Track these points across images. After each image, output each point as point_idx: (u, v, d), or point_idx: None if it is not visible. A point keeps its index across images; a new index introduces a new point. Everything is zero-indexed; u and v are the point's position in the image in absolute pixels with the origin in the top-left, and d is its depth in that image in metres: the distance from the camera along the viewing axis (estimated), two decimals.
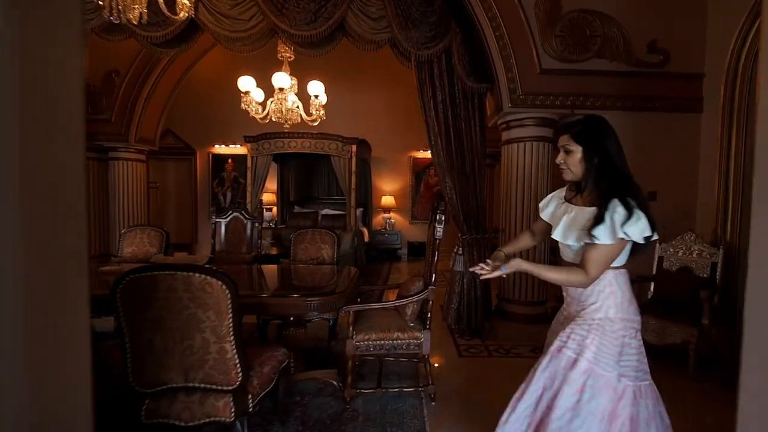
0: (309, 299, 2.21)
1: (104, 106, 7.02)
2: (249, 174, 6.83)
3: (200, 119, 9.21)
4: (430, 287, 2.49)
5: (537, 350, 3.51)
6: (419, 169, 8.78)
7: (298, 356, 2.81)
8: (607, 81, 3.72)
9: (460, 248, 3.85)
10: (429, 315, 2.54)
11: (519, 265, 1.55)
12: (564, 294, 1.67)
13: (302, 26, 3.98)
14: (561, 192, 1.74)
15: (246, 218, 3.79)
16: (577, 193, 1.61)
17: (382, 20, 3.99)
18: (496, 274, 1.55)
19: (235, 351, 1.72)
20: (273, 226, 8.33)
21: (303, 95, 5.58)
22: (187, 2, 2.75)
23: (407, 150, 8.74)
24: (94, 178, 7.21)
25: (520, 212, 3.93)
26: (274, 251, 5.90)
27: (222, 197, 9.48)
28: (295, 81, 5.46)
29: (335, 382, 2.67)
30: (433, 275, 2.49)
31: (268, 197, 8.85)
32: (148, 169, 9.08)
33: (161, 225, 9.36)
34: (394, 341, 2.47)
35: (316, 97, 5.24)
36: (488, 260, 1.61)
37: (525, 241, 1.92)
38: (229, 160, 9.42)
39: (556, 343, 1.55)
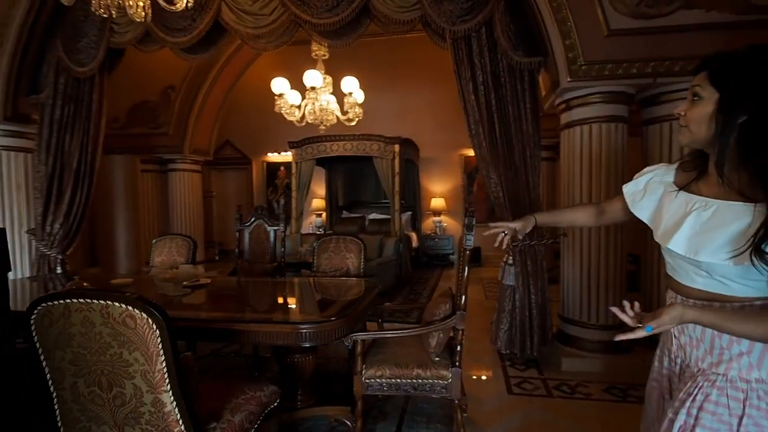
0: (301, 327, 1.71)
1: (162, 120, 7.19)
2: (293, 180, 6.58)
3: (254, 129, 9.26)
4: (459, 312, 1.86)
5: (613, 390, 2.69)
6: (471, 169, 7.98)
7: (306, 388, 2.31)
8: (702, 38, 2.79)
9: (510, 257, 3.13)
10: (459, 348, 1.90)
11: (683, 314, 0.84)
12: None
13: (323, 14, 3.54)
14: (666, 170, 1.07)
15: (269, 225, 3.40)
16: (699, 174, 0.95)
17: None
18: (640, 334, 0.86)
19: (174, 404, 1.26)
20: (322, 231, 8.05)
21: (341, 95, 5.17)
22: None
23: (458, 148, 8.01)
24: (155, 189, 7.42)
25: None
26: (311, 259, 5.52)
27: (276, 204, 9.45)
28: (329, 79, 5.07)
29: (349, 422, 2.13)
30: (463, 296, 1.86)
31: (318, 203, 8.62)
32: (206, 179, 9.32)
33: (217, 232, 9.49)
34: (414, 380, 1.88)
35: (350, 94, 4.78)
36: (633, 302, 0.94)
37: (583, 216, 1.34)
38: (281, 168, 9.36)
39: (676, 423, 0.88)
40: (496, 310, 3.22)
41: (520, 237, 1.19)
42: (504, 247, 1.36)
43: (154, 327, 1.19)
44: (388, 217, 7.02)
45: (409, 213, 7.76)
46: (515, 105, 3.20)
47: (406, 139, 6.67)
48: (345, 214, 8.16)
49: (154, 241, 3.67)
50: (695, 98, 0.91)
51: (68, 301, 1.21)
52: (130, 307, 1.15)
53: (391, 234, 5.94)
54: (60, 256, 4.11)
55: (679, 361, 1.00)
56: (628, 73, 2.93)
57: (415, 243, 7.13)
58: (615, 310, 0.93)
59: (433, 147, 8.11)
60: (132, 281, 2.54)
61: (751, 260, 0.78)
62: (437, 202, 7.90)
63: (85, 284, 2.35)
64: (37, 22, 4.20)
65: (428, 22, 3.41)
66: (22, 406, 1.66)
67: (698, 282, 0.92)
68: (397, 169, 6.15)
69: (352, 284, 2.55)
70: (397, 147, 6.18)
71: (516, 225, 1.33)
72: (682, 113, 0.94)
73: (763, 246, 0.77)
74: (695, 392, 0.88)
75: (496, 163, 3.16)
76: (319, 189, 8.61)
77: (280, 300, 2.44)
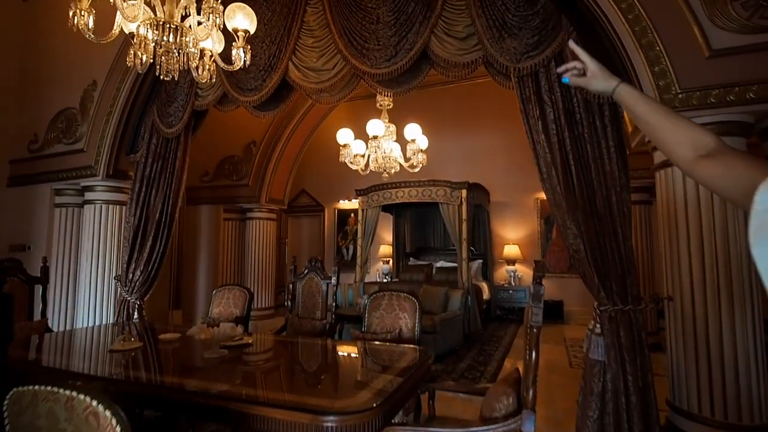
0: (325, 418, 1.39)
1: (244, 172, 7.71)
2: (359, 227, 6.50)
3: (327, 177, 9.56)
4: (526, 412, 1.40)
5: None
6: (548, 213, 7.25)
7: None
8: None
9: (598, 324, 2.54)
10: None
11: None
12: None
13: (382, 63, 3.48)
14: None
15: (322, 279, 3.22)
16: None
17: (471, 38, 3.22)
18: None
19: None
20: (388, 279, 7.78)
21: (406, 142, 5.06)
22: (209, 67, 2.45)
23: (532, 191, 7.39)
24: (234, 236, 7.84)
25: (698, 269, 2.45)
26: None
27: (345, 250, 9.47)
28: (392, 127, 5.00)
29: None
30: (531, 390, 1.41)
31: (385, 249, 8.44)
32: (282, 226, 9.71)
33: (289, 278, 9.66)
34: None
35: (413, 141, 4.63)
36: None
37: (680, 139, 0.83)
38: (352, 215, 9.44)
39: None
40: (582, 389, 2.59)
41: (591, 89, 0.83)
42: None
43: (119, 430, 0.97)
44: (457, 265, 6.55)
45: (480, 261, 7.20)
46: (595, 143, 2.73)
47: (475, 184, 6.31)
48: (412, 261, 7.84)
49: (214, 291, 3.68)
50: None
51: (36, 388, 1.05)
52: (94, 403, 0.95)
53: (459, 285, 5.46)
54: (138, 302, 4.33)
55: None
56: (743, 99, 2.34)
57: (486, 294, 6.51)
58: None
59: (505, 191, 7.60)
60: (179, 337, 2.47)
61: None
62: (511, 250, 7.24)
63: (132, 338, 2.31)
64: (139, 93, 4.76)
65: (490, 62, 3.16)
66: None
67: None
68: (464, 215, 5.76)
69: (401, 352, 2.19)
70: (464, 192, 5.83)
71: (590, 65, 0.98)
72: None
73: None
74: None
75: (574, 211, 2.67)
76: (387, 235, 8.46)
77: (310, 372, 2.15)
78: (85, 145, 4.86)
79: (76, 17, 1.99)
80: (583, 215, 2.63)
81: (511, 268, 7.20)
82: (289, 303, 3.33)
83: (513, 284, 7.10)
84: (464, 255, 5.66)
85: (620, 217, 2.61)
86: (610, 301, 2.51)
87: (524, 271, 7.32)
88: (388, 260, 8.30)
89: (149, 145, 4.61)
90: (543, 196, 7.21)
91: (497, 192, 7.54)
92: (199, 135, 7.53)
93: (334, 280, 3.10)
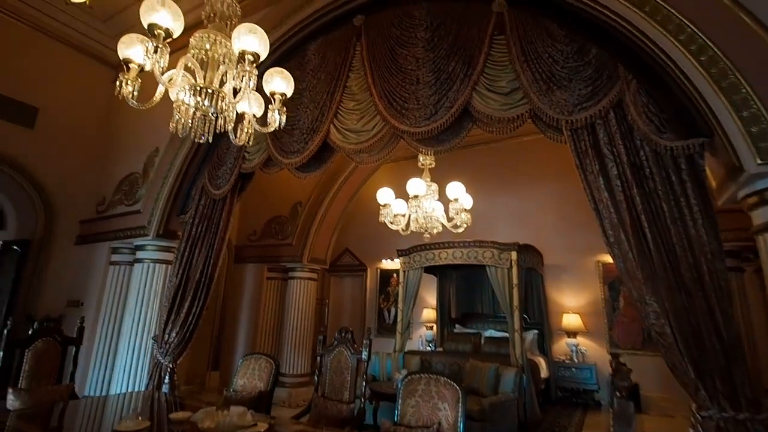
0: None
1: (289, 232, 7.75)
2: (400, 290, 6.11)
3: (370, 237, 9.40)
4: None
5: None
6: (613, 278, 6.41)
7: None
8: None
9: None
10: None
11: None
12: None
13: (422, 122, 3.35)
14: None
15: (352, 353, 2.85)
16: None
17: (515, 93, 3.02)
18: None
19: None
20: (431, 347, 7.13)
21: (448, 201, 4.80)
22: (248, 130, 2.40)
23: (592, 253, 6.66)
24: (276, 295, 7.70)
25: None
26: None
27: (387, 313, 8.99)
28: (434, 186, 4.78)
29: None
30: None
31: (429, 313, 7.87)
32: (325, 285, 9.50)
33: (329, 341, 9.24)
34: None
35: (456, 200, 4.35)
36: None
37: None
38: (394, 275, 9.07)
39: None
40: None
41: None
42: None
43: None
44: (509, 335, 5.86)
45: (535, 332, 6.42)
46: (672, 201, 2.28)
47: (525, 245, 5.79)
48: (458, 328, 7.19)
49: (240, 360, 3.42)
50: None
51: None
52: None
53: (511, 360, 4.78)
54: (171, 365, 4.16)
55: None
56: None
57: (544, 372, 5.68)
58: None
59: (560, 252, 6.93)
60: (189, 417, 2.19)
61: None
62: (571, 320, 6.41)
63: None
64: (194, 157, 4.97)
65: (538, 115, 2.91)
66: None
67: None
68: (515, 280, 5.21)
69: None
70: (513, 254, 5.33)
71: None
72: None
73: None
74: None
75: (653, 282, 2.18)
76: (431, 298, 7.93)
77: None
78: (142, 206, 5.08)
79: (121, 86, 2.01)
80: (666, 289, 2.13)
81: (572, 341, 6.31)
82: (316, 379, 2.97)
83: (576, 360, 6.17)
84: (516, 325, 5.02)
85: (716, 291, 2.08)
86: (715, 404, 1.91)
87: (588, 345, 6.38)
88: (432, 326, 7.70)
89: (197, 206, 4.71)
90: (605, 258, 6.46)
91: (551, 254, 6.89)
92: (251, 196, 7.78)
93: (365, 355, 2.72)
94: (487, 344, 6.10)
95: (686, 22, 2.32)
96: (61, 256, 5.56)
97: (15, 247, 5.23)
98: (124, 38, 1.97)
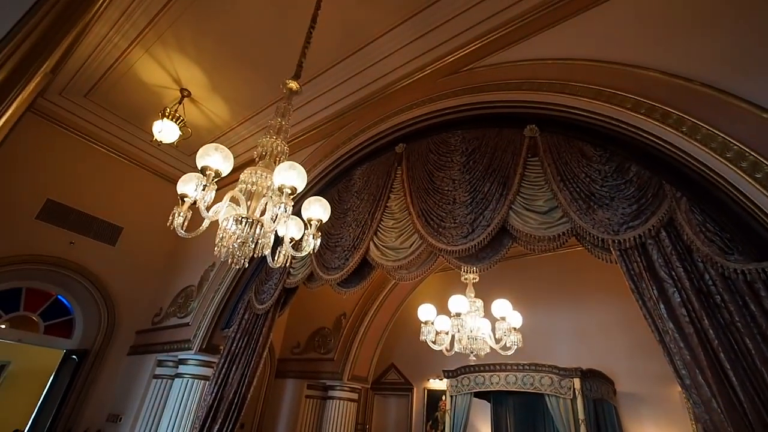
0: None
1: (331, 345, 7.47)
2: (447, 417, 5.39)
3: (417, 353, 8.75)
4: None
5: None
6: None
7: None
8: None
9: None
10: None
11: None
12: None
13: (459, 241, 3.30)
14: None
15: None
16: None
17: (554, 211, 2.94)
18: None
19: None
20: None
21: (494, 319, 4.44)
22: (285, 252, 2.50)
23: (674, 382, 5.59)
24: (313, 415, 7.10)
25: None
26: None
27: None
28: (479, 303, 4.49)
29: None
30: None
31: None
32: (368, 406, 8.68)
33: None
34: None
35: (503, 319, 4.01)
36: None
37: None
38: (443, 398, 8.14)
39: None
40: None
41: None
42: None
43: None
44: None
45: None
46: (758, 337, 1.90)
47: (591, 370, 5.03)
48: None
49: None
50: None
51: None
52: None
53: None
54: None
55: None
56: None
57: None
58: None
59: (636, 379, 5.92)
60: None
61: None
62: None
63: None
64: (244, 273, 5.19)
65: (581, 234, 2.75)
66: None
67: None
68: (581, 414, 4.41)
69: None
70: (576, 381, 4.62)
71: None
72: None
73: None
74: None
75: None
76: (485, 427, 6.88)
77: None
78: (192, 319, 5.21)
79: (174, 218, 2.21)
80: None
81: None
82: None
83: None
84: None
85: None
86: None
87: None
88: None
89: (241, 320, 4.74)
90: None
91: (624, 381, 5.90)
92: (298, 306, 7.81)
93: None
94: None
95: (730, 139, 2.22)
96: (113, 367, 5.66)
97: (74, 357, 5.43)
98: (184, 177, 2.23)
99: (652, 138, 2.53)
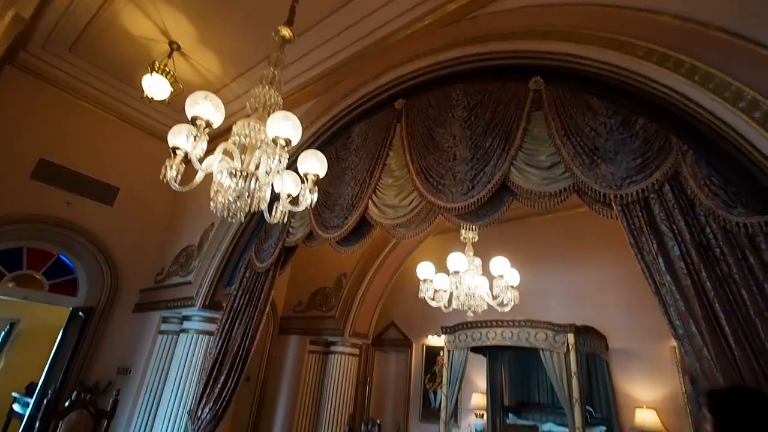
0: None
1: (333, 304, 7.63)
2: (444, 372, 5.59)
3: (416, 311, 8.94)
4: None
5: None
6: None
7: None
8: None
9: None
10: None
11: None
12: None
13: (458, 198, 3.26)
14: None
15: None
16: None
17: (557, 167, 2.87)
18: None
19: None
20: None
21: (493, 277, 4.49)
22: (282, 208, 2.44)
23: (665, 337, 5.76)
24: (316, 370, 7.39)
25: None
26: None
27: (433, 395, 8.21)
28: (477, 261, 4.53)
29: None
30: None
31: (479, 398, 7.07)
32: (369, 361, 9.01)
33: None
34: None
35: (501, 276, 4.05)
36: None
37: None
38: (441, 353, 8.43)
39: None
40: None
41: None
42: None
43: None
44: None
45: (603, 429, 5.47)
46: (754, 288, 1.90)
47: (584, 327, 5.15)
48: (512, 418, 6.33)
49: None
50: None
51: None
52: None
53: None
54: None
55: None
56: None
57: None
58: None
59: (627, 335, 6.09)
60: None
61: None
62: (646, 417, 5.40)
63: None
64: (244, 232, 5.19)
65: (583, 189, 2.70)
66: None
67: None
68: (573, 368, 4.56)
69: None
70: (570, 336, 4.74)
71: None
72: None
73: None
74: None
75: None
76: (480, 381, 7.17)
77: None
78: (193, 277, 5.28)
79: (166, 170, 2.15)
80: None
81: None
82: None
83: None
84: (577, 421, 4.29)
85: None
86: None
87: None
88: (482, 413, 6.85)
89: (242, 278, 4.80)
90: None
91: (617, 337, 6.07)
92: (300, 266, 7.90)
93: None
94: None
95: (744, 87, 2.12)
96: (119, 324, 5.80)
97: (80, 314, 5.56)
98: (174, 128, 2.15)
99: (663, 88, 2.42)
